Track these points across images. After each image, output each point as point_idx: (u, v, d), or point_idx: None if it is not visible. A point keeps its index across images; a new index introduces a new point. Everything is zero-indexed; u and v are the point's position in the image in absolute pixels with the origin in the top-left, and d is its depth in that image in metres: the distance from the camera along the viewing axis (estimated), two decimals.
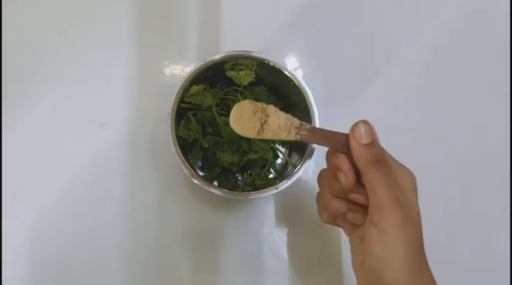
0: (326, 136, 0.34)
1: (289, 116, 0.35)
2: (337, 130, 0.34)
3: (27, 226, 0.47)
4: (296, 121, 0.35)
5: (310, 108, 0.43)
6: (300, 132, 0.35)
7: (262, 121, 0.36)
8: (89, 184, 0.49)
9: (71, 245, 0.47)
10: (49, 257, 0.47)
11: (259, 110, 0.36)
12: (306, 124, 0.35)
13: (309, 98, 0.43)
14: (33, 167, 0.49)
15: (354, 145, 0.32)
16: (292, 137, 0.35)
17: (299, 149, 0.47)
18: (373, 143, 0.32)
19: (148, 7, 0.53)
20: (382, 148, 0.33)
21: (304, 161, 0.42)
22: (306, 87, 0.44)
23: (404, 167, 0.34)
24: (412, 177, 0.34)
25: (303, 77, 0.44)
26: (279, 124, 0.35)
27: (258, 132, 0.35)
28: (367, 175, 0.32)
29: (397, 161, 0.35)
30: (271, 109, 0.36)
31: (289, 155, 0.50)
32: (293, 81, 0.44)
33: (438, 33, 0.55)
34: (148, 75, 0.52)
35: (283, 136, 0.35)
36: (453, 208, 0.51)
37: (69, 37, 0.52)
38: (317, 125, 0.43)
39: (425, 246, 0.32)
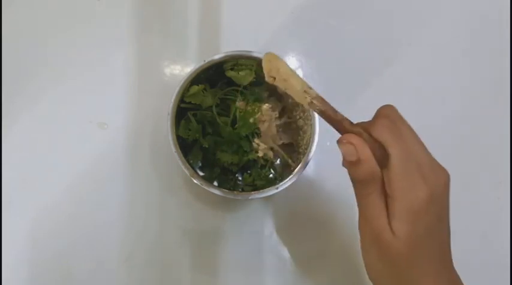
0: (332, 120, 0.33)
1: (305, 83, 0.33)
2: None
3: (27, 226, 0.47)
4: (313, 92, 0.33)
5: None
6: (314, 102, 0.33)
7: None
8: (88, 184, 0.49)
9: (71, 245, 0.47)
10: (49, 257, 0.47)
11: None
12: (317, 103, 0.33)
13: None
14: (33, 167, 0.49)
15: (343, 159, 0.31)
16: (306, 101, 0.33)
17: (298, 149, 0.47)
18: (359, 162, 0.29)
19: (148, 7, 0.53)
20: (370, 166, 0.30)
21: (304, 161, 0.42)
22: None
23: (435, 166, 0.31)
24: (441, 179, 0.31)
25: (303, 77, 0.44)
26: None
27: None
28: (355, 190, 0.31)
29: (428, 157, 0.31)
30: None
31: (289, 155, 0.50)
32: None
33: (438, 33, 0.55)
34: (148, 75, 0.52)
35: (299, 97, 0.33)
36: (453, 207, 0.51)
37: (69, 37, 0.52)
38: (317, 125, 0.43)
39: None
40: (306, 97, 0.33)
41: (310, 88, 0.33)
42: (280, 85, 0.33)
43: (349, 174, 0.31)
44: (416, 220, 0.29)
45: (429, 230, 0.30)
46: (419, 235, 0.29)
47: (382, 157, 0.30)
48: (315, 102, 0.33)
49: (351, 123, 0.32)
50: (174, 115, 0.43)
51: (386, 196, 0.30)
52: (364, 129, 0.31)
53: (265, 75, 0.34)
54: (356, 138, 0.30)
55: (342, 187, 0.43)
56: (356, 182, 0.31)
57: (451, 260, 0.32)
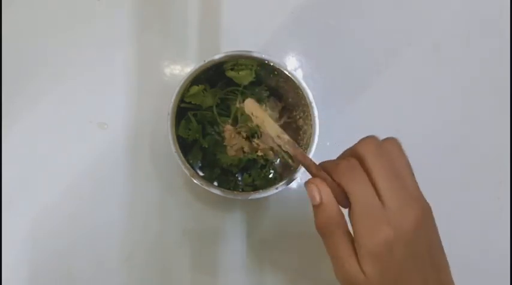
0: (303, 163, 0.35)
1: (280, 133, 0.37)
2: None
3: (27, 226, 0.47)
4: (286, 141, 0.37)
5: (310, 108, 0.43)
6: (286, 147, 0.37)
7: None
8: (88, 184, 0.49)
9: (71, 245, 0.47)
10: (49, 257, 0.47)
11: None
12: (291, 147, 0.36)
13: (309, 98, 0.43)
14: (33, 167, 0.49)
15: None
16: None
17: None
18: (321, 205, 0.31)
19: (148, 7, 0.53)
20: (331, 209, 0.31)
21: None
22: (306, 87, 0.44)
23: (402, 204, 0.30)
24: (408, 218, 0.29)
25: (303, 77, 0.44)
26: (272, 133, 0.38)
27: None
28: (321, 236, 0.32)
29: (396, 196, 0.30)
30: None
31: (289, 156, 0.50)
32: (293, 81, 0.44)
33: (438, 33, 0.55)
34: (148, 75, 0.52)
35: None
36: (453, 207, 0.51)
37: (69, 37, 0.52)
38: (317, 125, 0.43)
39: None
40: (278, 141, 0.37)
41: (283, 133, 0.37)
42: (259, 124, 0.39)
43: (315, 218, 0.32)
44: (383, 261, 0.29)
45: (403, 269, 0.29)
46: (393, 276, 0.29)
47: (346, 201, 0.31)
48: (287, 146, 0.36)
49: (317, 167, 0.33)
50: (174, 115, 0.43)
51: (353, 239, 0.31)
52: (329, 173, 0.32)
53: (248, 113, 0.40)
54: (320, 182, 0.31)
55: None
56: (318, 227, 0.32)
57: (441, 280, 0.31)
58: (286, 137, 0.36)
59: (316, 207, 0.31)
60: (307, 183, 0.32)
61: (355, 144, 0.32)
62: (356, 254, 0.30)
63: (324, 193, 0.31)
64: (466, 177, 0.52)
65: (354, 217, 0.30)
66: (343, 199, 0.31)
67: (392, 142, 0.32)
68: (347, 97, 0.53)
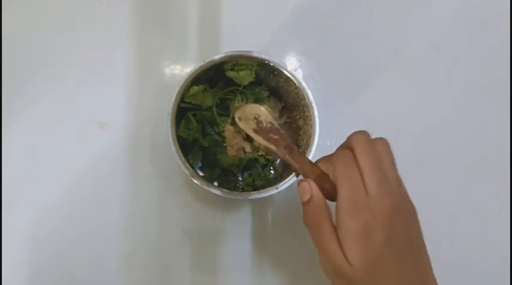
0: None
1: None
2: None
3: (27, 226, 0.47)
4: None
5: (310, 108, 0.43)
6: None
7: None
8: (88, 184, 0.49)
9: (71, 245, 0.47)
10: (49, 257, 0.47)
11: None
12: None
13: (309, 98, 0.43)
14: (33, 167, 0.49)
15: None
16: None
17: (298, 149, 0.47)
18: (308, 202, 0.34)
19: (148, 7, 0.53)
20: (319, 201, 0.34)
21: None
22: (306, 87, 0.44)
23: (384, 194, 0.32)
24: (383, 207, 0.32)
25: (303, 77, 0.44)
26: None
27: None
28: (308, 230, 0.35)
29: (378, 186, 0.32)
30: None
31: None
32: (293, 81, 0.44)
33: (438, 33, 0.55)
34: (148, 75, 0.52)
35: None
36: (453, 207, 0.51)
37: (69, 37, 0.52)
38: (317, 125, 0.43)
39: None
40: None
41: (269, 144, 0.41)
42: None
43: (303, 213, 0.35)
44: (364, 244, 0.31)
45: (383, 255, 0.31)
46: (373, 260, 0.31)
47: (334, 194, 0.34)
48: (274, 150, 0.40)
49: (310, 162, 0.37)
50: (174, 115, 0.43)
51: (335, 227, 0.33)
52: (323, 164, 0.36)
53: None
54: (310, 180, 0.35)
55: None
56: (305, 219, 0.35)
57: (420, 274, 0.32)
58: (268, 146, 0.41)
59: (306, 203, 0.35)
60: (300, 182, 0.36)
61: (348, 137, 0.35)
62: (340, 243, 0.32)
63: (313, 189, 0.34)
64: (466, 177, 0.52)
65: (339, 198, 0.33)
66: (332, 191, 0.34)
67: (381, 141, 0.34)
68: (347, 97, 0.53)
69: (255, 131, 0.41)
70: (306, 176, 0.36)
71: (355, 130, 0.35)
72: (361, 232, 0.31)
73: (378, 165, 0.33)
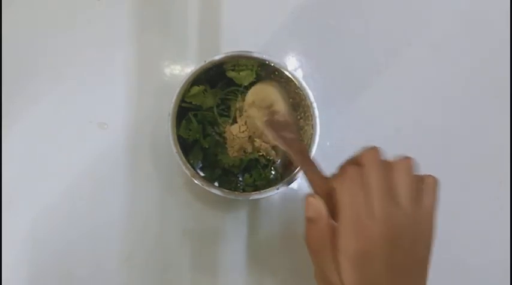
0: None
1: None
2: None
3: (27, 226, 0.47)
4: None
5: (311, 108, 0.43)
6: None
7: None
8: (88, 184, 0.49)
9: (71, 245, 0.47)
10: (49, 257, 0.47)
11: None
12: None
13: (309, 98, 0.43)
14: (33, 167, 0.49)
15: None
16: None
17: None
18: (313, 221, 0.32)
19: (148, 7, 0.53)
20: (323, 222, 0.32)
21: None
22: (307, 88, 0.44)
23: (386, 215, 0.31)
24: (375, 231, 0.30)
25: (303, 77, 0.44)
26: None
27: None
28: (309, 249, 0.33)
29: (382, 207, 0.31)
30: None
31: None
32: (294, 82, 0.44)
33: (438, 33, 0.55)
34: (149, 75, 0.52)
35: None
36: (453, 208, 0.51)
37: (69, 37, 0.52)
38: (317, 125, 0.43)
39: None
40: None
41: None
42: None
43: (306, 232, 0.33)
44: (360, 275, 0.30)
45: (378, 280, 0.30)
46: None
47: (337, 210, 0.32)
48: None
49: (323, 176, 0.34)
50: (175, 115, 0.43)
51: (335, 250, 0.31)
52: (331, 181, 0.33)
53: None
54: (318, 199, 0.32)
55: None
56: (308, 243, 0.33)
57: None
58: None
59: (309, 221, 0.32)
60: (308, 197, 0.33)
61: (359, 152, 0.33)
62: (336, 265, 0.31)
63: (322, 210, 0.32)
64: (466, 177, 0.52)
65: (342, 219, 0.31)
66: (335, 209, 0.32)
67: (403, 161, 0.33)
68: (347, 97, 0.53)
69: (268, 123, 0.36)
70: (314, 190, 0.34)
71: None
72: (360, 258, 0.30)
73: (387, 188, 0.31)
